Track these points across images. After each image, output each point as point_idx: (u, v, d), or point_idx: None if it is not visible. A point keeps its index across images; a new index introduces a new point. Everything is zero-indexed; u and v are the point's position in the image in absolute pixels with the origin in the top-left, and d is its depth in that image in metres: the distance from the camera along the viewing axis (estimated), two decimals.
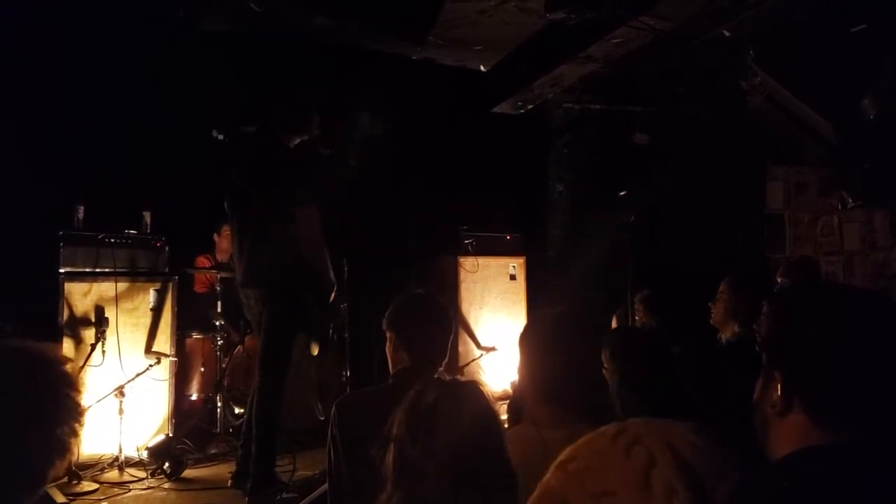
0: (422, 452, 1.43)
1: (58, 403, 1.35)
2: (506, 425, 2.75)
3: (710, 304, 3.77)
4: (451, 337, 2.51)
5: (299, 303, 3.78)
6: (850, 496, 1.11)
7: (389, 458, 1.48)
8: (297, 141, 4.02)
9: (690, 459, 0.64)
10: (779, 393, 1.23)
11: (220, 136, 4.40)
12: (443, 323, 2.49)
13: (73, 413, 1.36)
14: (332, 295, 3.88)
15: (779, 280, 4.67)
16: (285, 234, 3.66)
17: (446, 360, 2.45)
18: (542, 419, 1.90)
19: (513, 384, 5.93)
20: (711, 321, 3.71)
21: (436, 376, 1.56)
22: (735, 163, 6.49)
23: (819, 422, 1.19)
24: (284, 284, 3.73)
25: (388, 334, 2.47)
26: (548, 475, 0.71)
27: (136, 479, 4.20)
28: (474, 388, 1.57)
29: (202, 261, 5.70)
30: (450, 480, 1.39)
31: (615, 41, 5.20)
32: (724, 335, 3.60)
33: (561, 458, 0.73)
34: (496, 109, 6.70)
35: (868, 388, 1.17)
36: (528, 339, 2.03)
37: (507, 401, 5.63)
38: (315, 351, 3.90)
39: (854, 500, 1.11)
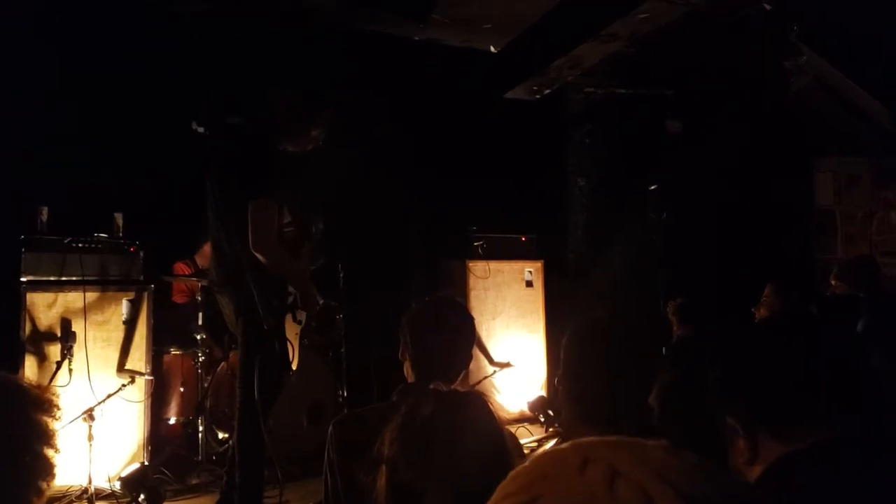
0: (417, 474, 1.42)
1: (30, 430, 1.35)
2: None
3: (753, 309, 3.75)
4: (466, 351, 2.49)
5: (269, 310, 3.73)
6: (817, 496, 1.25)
7: (382, 481, 1.46)
8: (286, 133, 4.00)
9: (692, 491, 0.62)
10: (742, 438, 1.36)
11: (201, 129, 4.38)
12: (453, 334, 2.44)
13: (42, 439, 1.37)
14: (308, 302, 3.85)
15: (833, 283, 4.64)
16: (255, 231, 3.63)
17: (458, 378, 2.42)
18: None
19: (530, 404, 5.92)
20: None
21: (431, 387, 1.55)
22: (779, 153, 6.48)
23: (781, 439, 1.33)
24: (250, 288, 3.68)
25: (401, 342, 2.46)
26: None
27: None
28: (477, 399, 1.55)
29: (181, 267, 5.68)
30: None
31: (642, 16, 5.20)
32: None
33: (505, 490, 0.69)
34: (509, 95, 6.73)
35: (809, 397, 1.34)
36: (570, 349, 1.97)
37: (521, 424, 5.67)
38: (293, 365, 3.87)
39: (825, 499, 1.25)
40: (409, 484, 1.42)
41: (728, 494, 0.65)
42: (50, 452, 1.37)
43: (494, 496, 0.69)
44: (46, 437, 1.37)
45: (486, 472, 1.42)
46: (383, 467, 1.47)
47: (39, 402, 1.39)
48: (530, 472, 0.69)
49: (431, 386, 1.91)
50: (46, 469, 1.36)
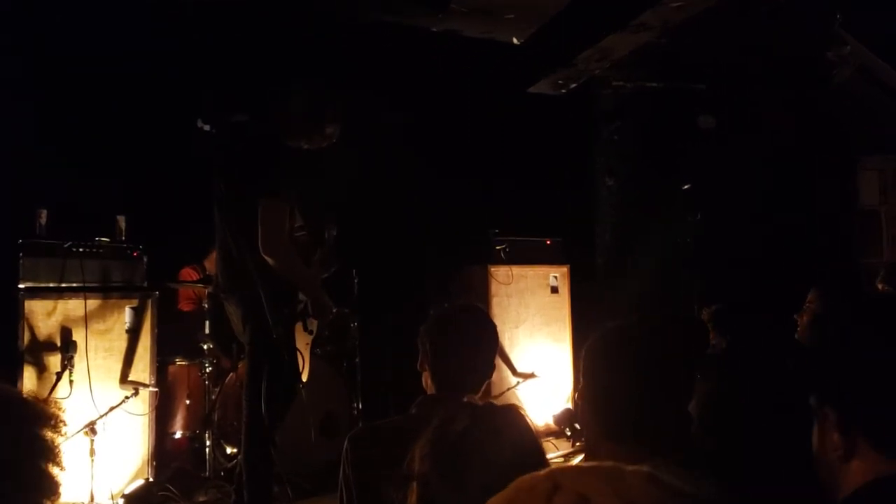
0: (451, 491, 1.40)
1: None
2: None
3: (796, 316, 3.73)
4: (488, 361, 2.49)
5: (278, 318, 3.70)
6: None
7: (413, 498, 1.45)
8: (300, 131, 3.99)
9: None
10: (837, 433, 1.31)
11: (207, 127, 4.38)
12: (475, 344, 2.45)
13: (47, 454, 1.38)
14: (316, 307, 3.82)
15: (879, 287, 4.61)
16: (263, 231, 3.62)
17: (481, 390, 2.43)
18: (606, 459, 1.80)
19: (556, 418, 5.88)
20: (798, 336, 3.68)
21: (465, 400, 1.54)
22: (819, 150, 6.43)
23: (892, 454, 1.27)
24: (257, 291, 3.65)
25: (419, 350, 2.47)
26: None
27: None
28: (514, 413, 1.54)
29: (189, 273, 5.70)
30: None
31: (675, 5, 5.15)
32: None
33: None
34: (532, 90, 6.74)
35: None
36: (594, 356, 1.89)
37: (546, 439, 5.63)
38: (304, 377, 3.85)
39: None
40: (442, 500, 1.42)
41: None
42: (55, 470, 1.37)
43: None
44: (51, 454, 1.37)
45: None
46: (414, 484, 1.46)
47: (44, 417, 1.39)
48: (504, 499, 0.73)
49: (465, 399, 1.88)
50: (51, 488, 1.35)
